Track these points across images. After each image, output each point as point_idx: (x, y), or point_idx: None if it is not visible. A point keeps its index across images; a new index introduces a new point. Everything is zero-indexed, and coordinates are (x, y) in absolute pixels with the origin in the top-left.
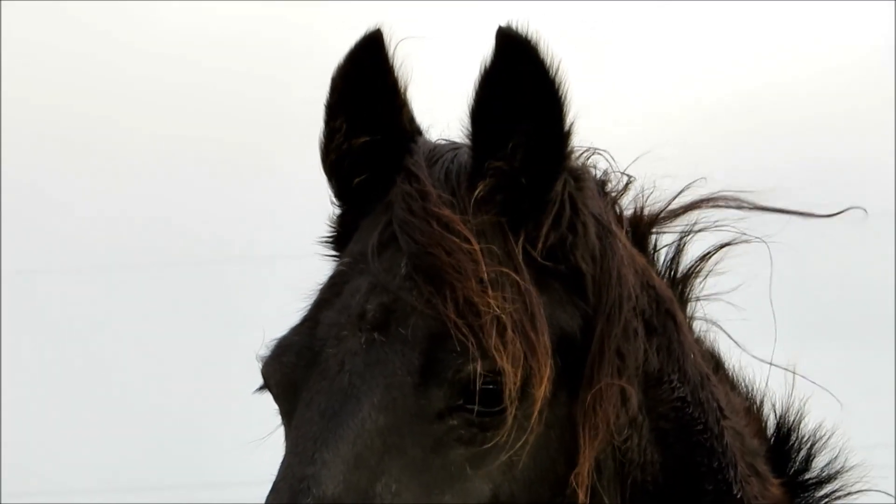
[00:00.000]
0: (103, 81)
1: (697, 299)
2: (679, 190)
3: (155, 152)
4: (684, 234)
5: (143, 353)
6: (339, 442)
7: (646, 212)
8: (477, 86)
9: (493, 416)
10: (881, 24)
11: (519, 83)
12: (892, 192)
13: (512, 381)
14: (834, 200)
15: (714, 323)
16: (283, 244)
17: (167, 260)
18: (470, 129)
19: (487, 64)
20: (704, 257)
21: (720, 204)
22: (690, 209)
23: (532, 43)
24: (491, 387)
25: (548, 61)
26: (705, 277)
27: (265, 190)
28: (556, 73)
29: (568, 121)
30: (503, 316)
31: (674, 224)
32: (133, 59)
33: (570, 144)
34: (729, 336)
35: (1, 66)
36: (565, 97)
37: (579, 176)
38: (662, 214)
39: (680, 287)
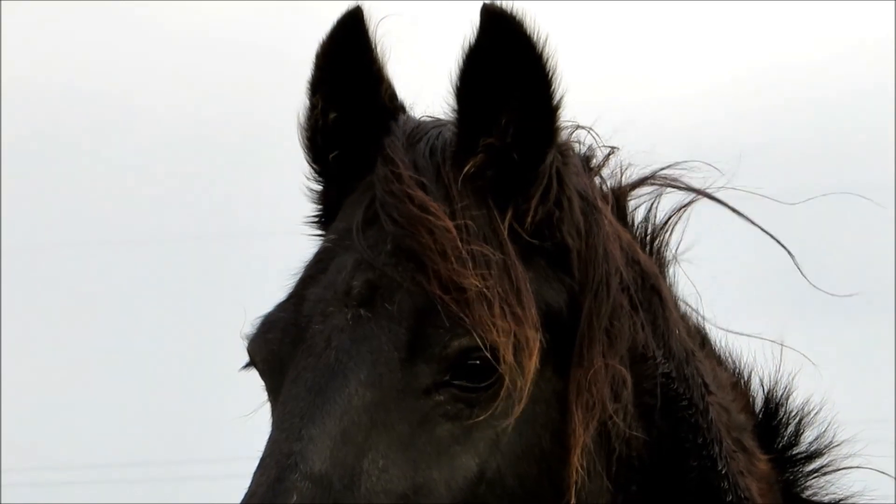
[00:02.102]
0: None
1: (677, 263)
2: (660, 163)
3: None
4: (676, 211)
5: (140, 330)
6: (326, 418)
7: (625, 184)
8: (462, 63)
9: (479, 391)
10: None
11: (506, 59)
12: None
13: (504, 355)
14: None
15: (694, 305)
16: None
17: (164, 235)
18: (456, 106)
19: (472, 41)
20: (675, 214)
21: (677, 186)
22: (644, 182)
23: (518, 18)
24: (478, 363)
25: (534, 36)
26: (678, 243)
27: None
28: (543, 48)
29: (558, 95)
30: (488, 291)
31: (645, 191)
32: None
33: (560, 119)
34: (702, 315)
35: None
36: (554, 71)
37: (564, 151)
38: (636, 183)
39: (657, 246)
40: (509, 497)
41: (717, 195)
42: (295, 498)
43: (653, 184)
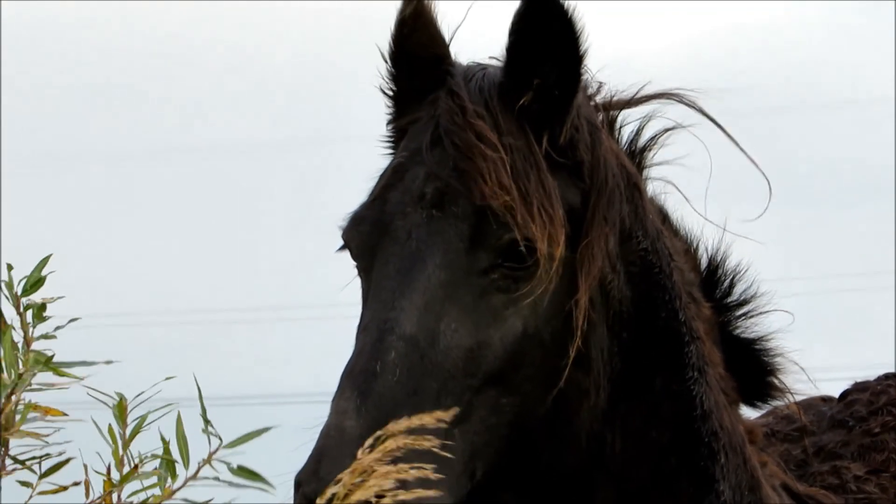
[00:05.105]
0: None
1: (651, 167)
2: (641, 89)
3: None
4: (643, 120)
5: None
6: (412, 292)
7: (614, 102)
8: (513, 25)
9: (523, 270)
10: None
11: (548, 22)
12: None
13: (542, 244)
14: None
15: (670, 182)
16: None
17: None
18: (507, 56)
19: (521, 9)
20: (656, 137)
21: (674, 99)
22: (651, 99)
23: None
24: (522, 250)
25: (567, 5)
26: (656, 152)
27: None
28: (574, 14)
29: (584, 47)
30: (529, 198)
31: (636, 110)
32: None
33: (586, 65)
34: (681, 193)
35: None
36: (583, 30)
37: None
38: (629, 102)
39: (638, 158)
40: (543, 345)
41: (697, 106)
42: (393, 354)
43: (636, 104)
